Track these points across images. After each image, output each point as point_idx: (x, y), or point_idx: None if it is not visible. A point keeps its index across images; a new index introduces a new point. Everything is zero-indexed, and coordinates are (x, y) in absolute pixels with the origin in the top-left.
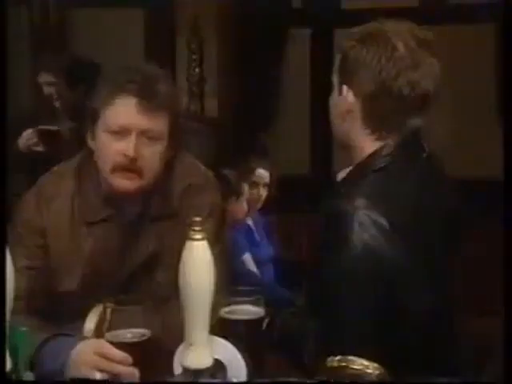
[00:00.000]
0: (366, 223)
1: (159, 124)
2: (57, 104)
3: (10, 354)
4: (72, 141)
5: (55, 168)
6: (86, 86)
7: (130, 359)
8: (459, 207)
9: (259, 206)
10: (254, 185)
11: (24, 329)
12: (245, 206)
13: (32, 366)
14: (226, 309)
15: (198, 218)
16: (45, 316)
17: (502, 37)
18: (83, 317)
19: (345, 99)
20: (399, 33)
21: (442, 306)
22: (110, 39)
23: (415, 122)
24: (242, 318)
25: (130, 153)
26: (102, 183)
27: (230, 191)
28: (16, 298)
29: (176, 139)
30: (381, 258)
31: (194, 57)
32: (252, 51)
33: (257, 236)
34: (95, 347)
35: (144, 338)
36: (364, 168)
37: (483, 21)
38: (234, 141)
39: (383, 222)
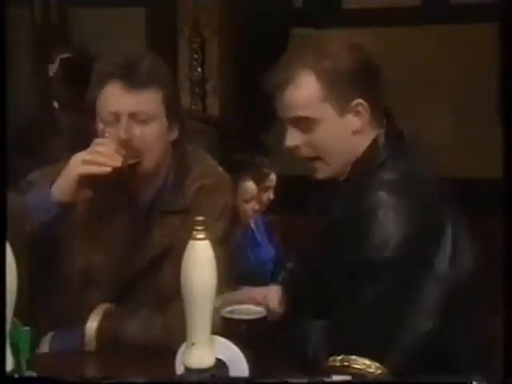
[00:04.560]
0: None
1: (150, 102)
2: (56, 104)
3: (12, 354)
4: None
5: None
6: (81, 81)
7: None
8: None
9: (264, 207)
10: (266, 188)
11: (26, 328)
12: (256, 208)
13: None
14: (228, 308)
15: (200, 218)
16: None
17: (503, 37)
18: (85, 315)
19: (362, 117)
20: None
21: (442, 305)
22: (112, 39)
23: None
24: (244, 318)
25: (122, 135)
26: None
27: (244, 195)
28: None
29: (175, 119)
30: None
31: (195, 56)
32: (253, 51)
33: (258, 236)
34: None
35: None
36: (365, 164)
37: (484, 20)
38: (235, 140)
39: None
